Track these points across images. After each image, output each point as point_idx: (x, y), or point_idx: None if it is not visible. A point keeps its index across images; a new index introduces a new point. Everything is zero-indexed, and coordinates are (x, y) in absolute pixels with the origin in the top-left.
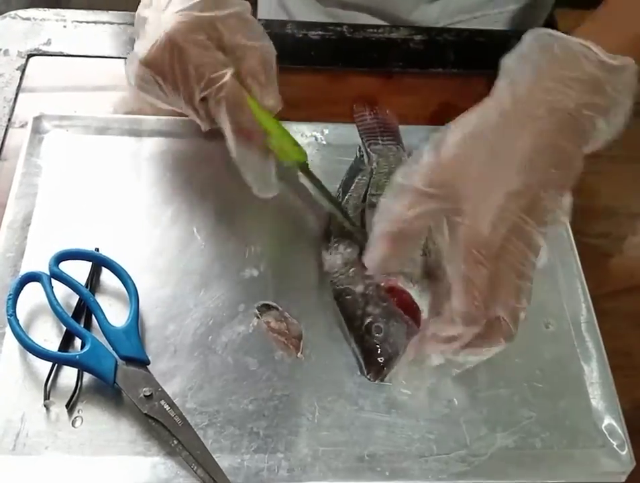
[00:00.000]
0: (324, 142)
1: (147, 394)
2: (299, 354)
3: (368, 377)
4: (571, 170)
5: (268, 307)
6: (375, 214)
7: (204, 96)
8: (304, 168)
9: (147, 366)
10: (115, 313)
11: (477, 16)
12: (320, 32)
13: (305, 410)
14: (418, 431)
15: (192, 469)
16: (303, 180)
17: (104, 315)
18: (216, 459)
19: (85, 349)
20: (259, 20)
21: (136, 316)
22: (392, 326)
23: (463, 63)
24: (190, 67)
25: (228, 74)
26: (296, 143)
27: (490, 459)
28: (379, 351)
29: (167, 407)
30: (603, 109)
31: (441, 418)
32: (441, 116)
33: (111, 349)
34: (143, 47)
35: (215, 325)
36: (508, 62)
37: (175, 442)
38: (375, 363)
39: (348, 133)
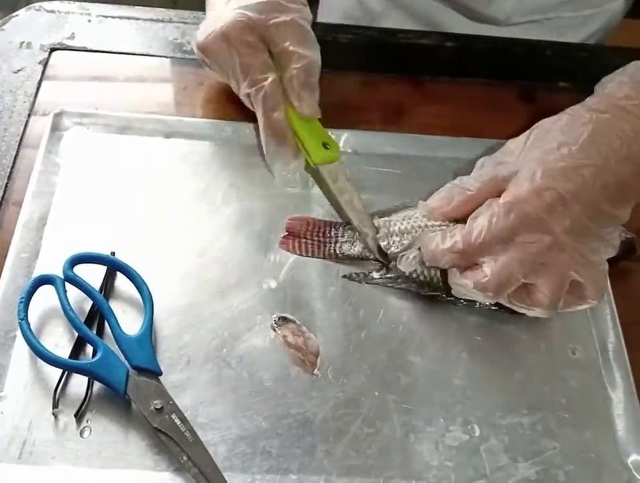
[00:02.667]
0: (349, 150)
1: (158, 407)
2: (315, 371)
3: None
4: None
5: (285, 320)
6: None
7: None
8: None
9: (159, 377)
10: (129, 320)
11: (551, 17)
12: (349, 35)
13: (320, 431)
14: (437, 458)
15: None
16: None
17: (117, 322)
18: (226, 478)
19: (96, 358)
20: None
21: (150, 324)
22: None
23: (496, 73)
24: (237, 65)
25: (269, 80)
26: (323, 147)
27: None
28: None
29: (178, 421)
30: None
31: (460, 446)
32: (471, 127)
33: (122, 358)
34: (201, 32)
35: (230, 337)
36: (605, 80)
37: (185, 458)
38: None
39: (375, 141)
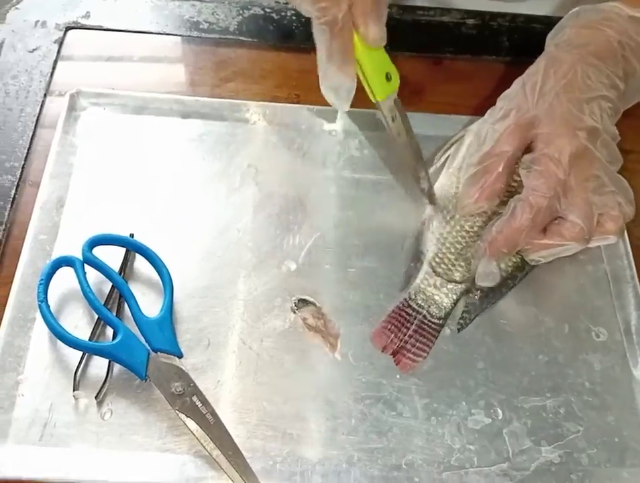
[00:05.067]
0: (367, 130)
1: (179, 389)
2: (336, 354)
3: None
4: (619, 91)
5: (305, 302)
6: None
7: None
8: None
9: (180, 359)
10: (149, 302)
11: None
12: None
13: (341, 413)
14: (459, 441)
15: (223, 469)
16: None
17: (137, 304)
18: (248, 461)
19: (117, 340)
20: None
21: (170, 306)
22: None
23: (518, 50)
24: None
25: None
26: (385, 79)
27: (534, 474)
28: None
29: (199, 404)
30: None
31: (483, 429)
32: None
33: (143, 340)
34: None
35: (250, 319)
36: (550, 33)
37: (206, 440)
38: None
39: None
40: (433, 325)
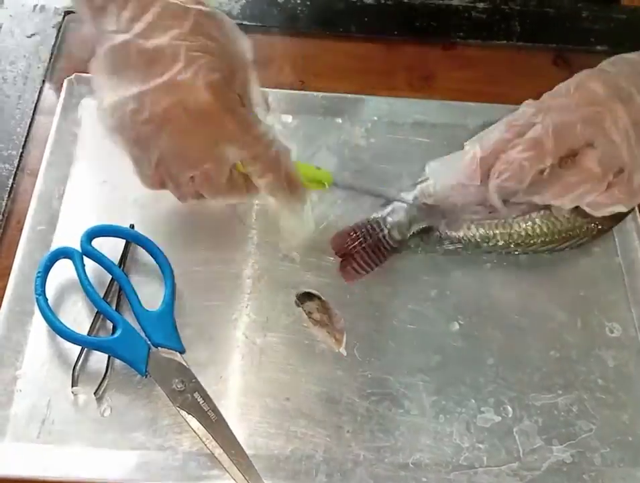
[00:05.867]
0: (374, 117)
1: (180, 385)
2: (341, 349)
3: None
4: None
5: (309, 296)
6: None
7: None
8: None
9: (182, 354)
10: (149, 295)
11: None
12: None
13: (347, 411)
14: (468, 440)
15: (225, 468)
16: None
17: (137, 298)
18: (250, 459)
19: (116, 335)
20: None
21: (171, 299)
22: None
23: (530, 35)
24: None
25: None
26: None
27: (545, 473)
28: None
29: (200, 400)
30: None
31: (493, 427)
32: (504, 93)
33: (143, 334)
34: None
35: (254, 313)
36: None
37: (208, 438)
38: None
39: (402, 108)
40: (388, 246)
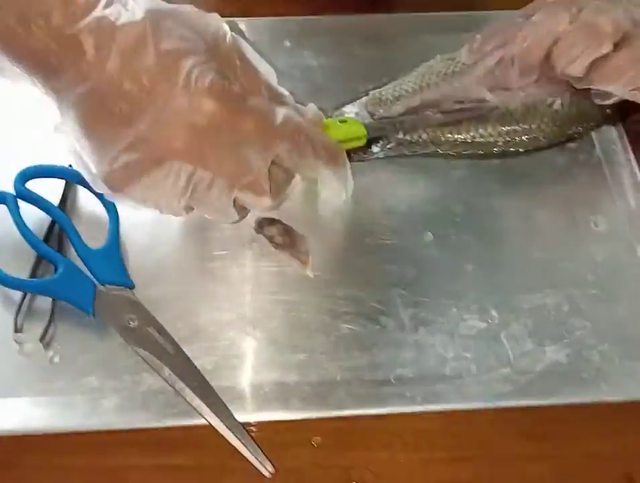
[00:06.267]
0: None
1: (133, 322)
2: (308, 271)
3: None
4: None
5: (270, 221)
6: None
7: None
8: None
9: (133, 291)
10: (93, 236)
11: None
12: None
13: (318, 333)
14: (452, 349)
15: (189, 403)
16: None
17: (79, 238)
18: (216, 391)
19: (58, 275)
20: None
21: (116, 235)
22: None
23: None
24: None
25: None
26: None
27: (539, 377)
28: None
29: (156, 334)
30: None
31: (478, 334)
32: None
33: (89, 273)
34: None
35: (209, 247)
36: None
37: (168, 372)
38: None
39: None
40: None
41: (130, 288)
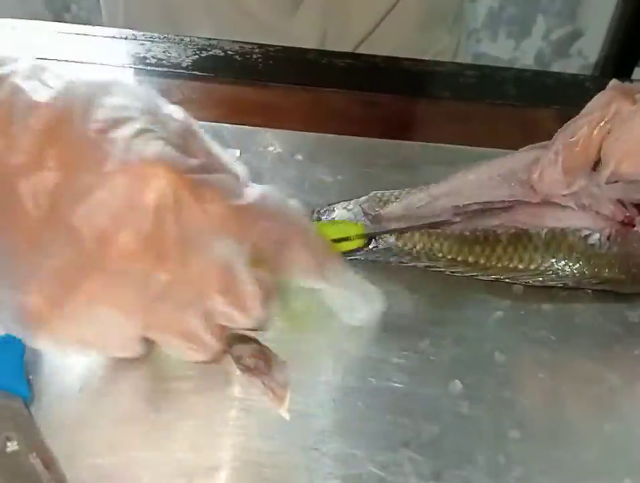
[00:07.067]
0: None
1: (14, 445)
2: (282, 410)
3: None
4: None
5: (242, 339)
6: None
7: None
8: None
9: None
10: None
11: None
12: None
13: None
14: None
15: None
16: None
17: None
18: None
19: None
20: None
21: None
22: None
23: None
24: None
25: None
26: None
27: None
28: None
29: (39, 466)
30: None
31: None
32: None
33: None
34: None
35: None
36: None
37: None
38: None
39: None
40: None
41: (24, 399)
